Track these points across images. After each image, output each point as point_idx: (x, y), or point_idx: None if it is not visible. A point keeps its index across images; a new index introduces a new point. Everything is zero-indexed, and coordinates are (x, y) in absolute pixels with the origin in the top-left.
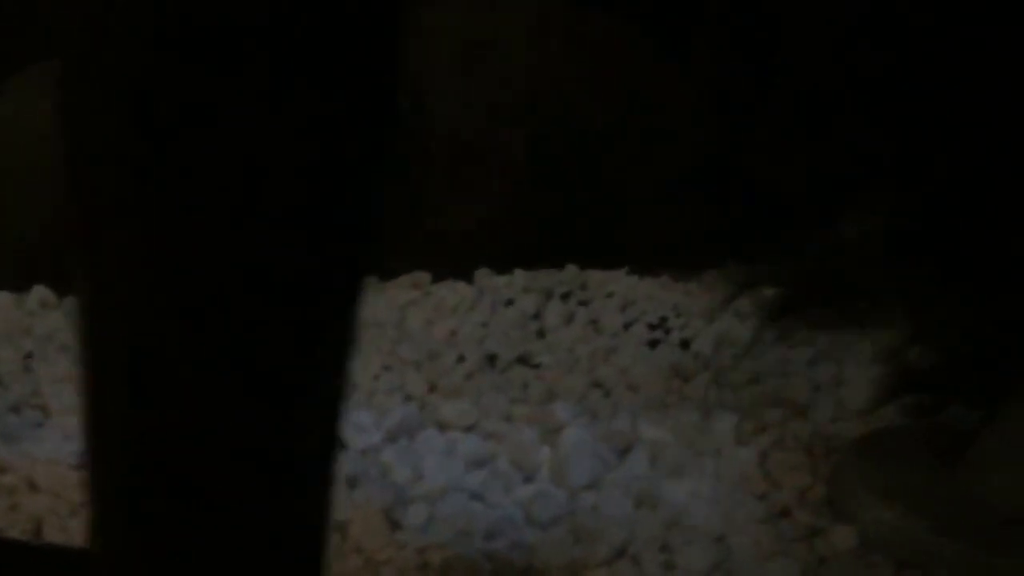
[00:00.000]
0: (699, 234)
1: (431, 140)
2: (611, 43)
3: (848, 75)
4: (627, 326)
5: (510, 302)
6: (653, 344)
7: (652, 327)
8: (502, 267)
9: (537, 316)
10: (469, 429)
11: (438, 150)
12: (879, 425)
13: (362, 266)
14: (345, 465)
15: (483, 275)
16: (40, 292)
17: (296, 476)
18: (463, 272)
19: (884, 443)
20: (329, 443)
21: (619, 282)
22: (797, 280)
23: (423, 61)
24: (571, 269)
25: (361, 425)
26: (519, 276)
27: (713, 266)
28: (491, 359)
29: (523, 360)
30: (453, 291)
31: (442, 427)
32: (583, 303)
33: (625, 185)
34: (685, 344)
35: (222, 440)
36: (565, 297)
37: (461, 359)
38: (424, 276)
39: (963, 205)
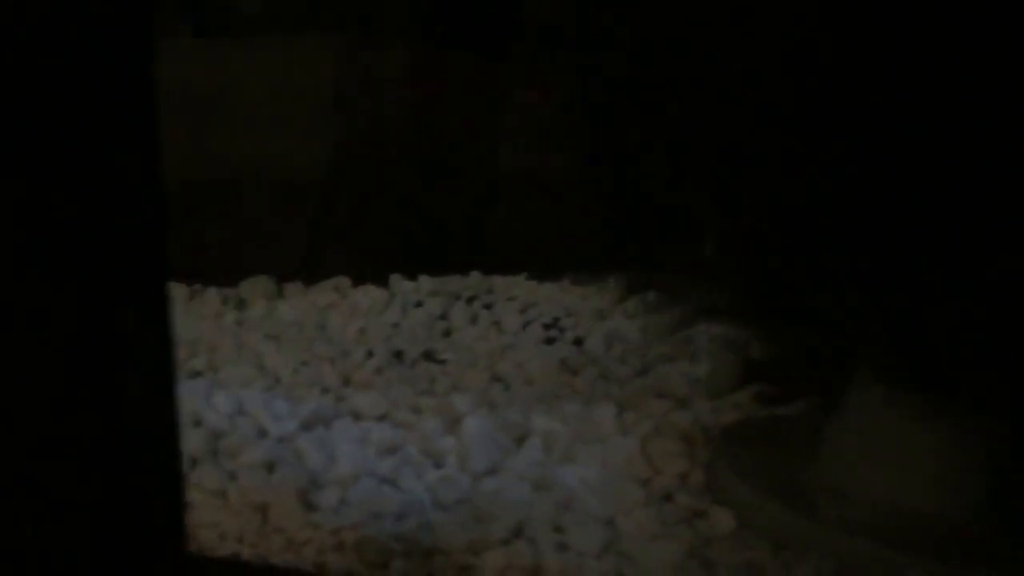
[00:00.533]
0: (595, 244)
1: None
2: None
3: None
4: (525, 326)
5: (419, 304)
6: (549, 342)
7: (547, 327)
8: (414, 273)
9: (444, 317)
10: (380, 419)
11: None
12: (742, 415)
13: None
14: (264, 451)
15: (396, 280)
16: None
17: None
18: (378, 277)
19: (749, 433)
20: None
21: (520, 286)
22: (673, 285)
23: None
24: (475, 275)
25: (278, 414)
26: (427, 281)
27: (606, 271)
28: (399, 355)
29: (429, 356)
30: (368, 295)
31: (355, 417)
32: (487, 306)
33: (519, 199)
34: (578, 342)
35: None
36: (470, 300)
37: (371, 355)
38: (345, 281)
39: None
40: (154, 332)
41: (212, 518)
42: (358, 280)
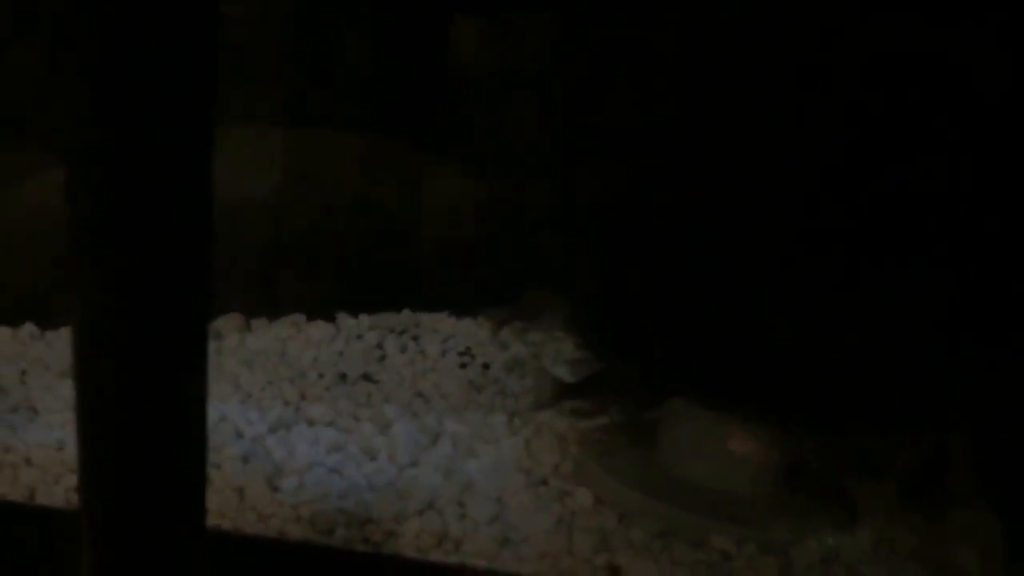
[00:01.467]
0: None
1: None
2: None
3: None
4: (444, 353)
5: (360, 336)
6: (462, 366)
7: (461, 354)
8: (356, 312)
9: (380, 346)
10: (328, 424)
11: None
12: (606, 422)
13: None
14: (240, 447)
15: (342, 317)
16: (29, 327)
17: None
18: (328, 315)
19: (607, 434)
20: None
21: (443, 322)
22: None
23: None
24: (406, 312)
25: (250, 420)
26: (366, 319)
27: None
28: (343, 377)
29: (367, 378)
30: (319, 329)
31: (309, 423)
32: (414, 338)
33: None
34: (486, 366)
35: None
36: (401, 333)
37: (322, 376)
38: (301, 317)
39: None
40: (196, 355)
41: None
42: (311, 316)
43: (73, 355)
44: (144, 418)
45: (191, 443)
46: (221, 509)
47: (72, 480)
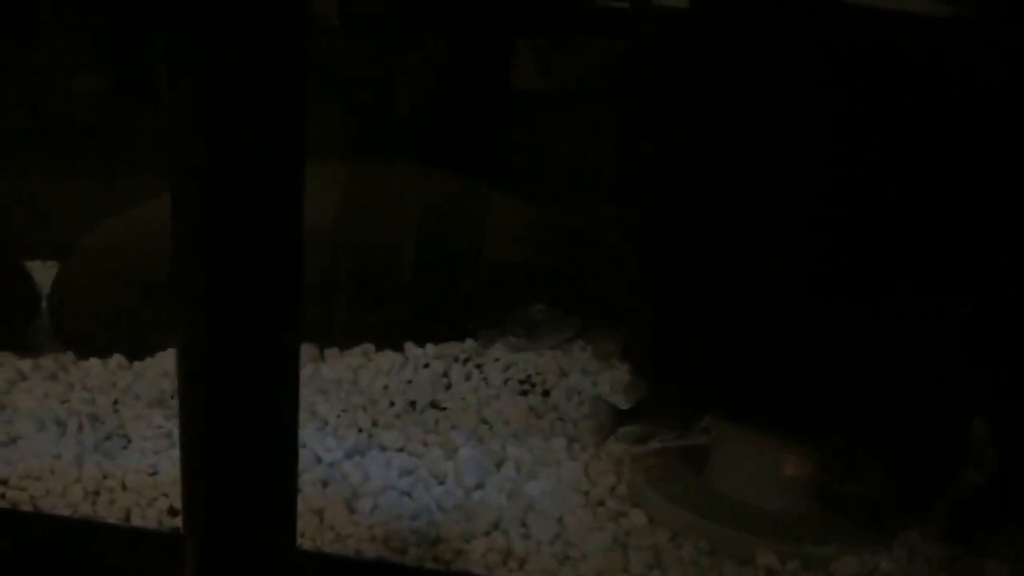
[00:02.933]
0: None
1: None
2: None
3: None
4: (506, 381)
5: (426, 365)
6: (523, 393)
7: (522, 382)
8: (422, 341)
9: (445, 375)
10: (400, 450)
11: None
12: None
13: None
14: (319, 472)
15: (409, 346)
16: (117, 358)
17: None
18: (396, 344)
19: (658, 458)
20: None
21: (504, 350)
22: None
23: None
24: (470, 342)
25: (328, 447)
26: (432, 348)
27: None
28: (413, 404)
29: (434, 405)
30: (388, 358)
31: (382, 449)
32: (478, 366)
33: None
34: (546, 393)
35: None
36: (465, 362)
37: (392, 404)
38: (370, 347)
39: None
40: (289, 384)
41: None
42: (380, 346)
43: (178, 385)
44: (241, 444)
45: (284, 468)
46: (303, 530)
47: (164, 503)
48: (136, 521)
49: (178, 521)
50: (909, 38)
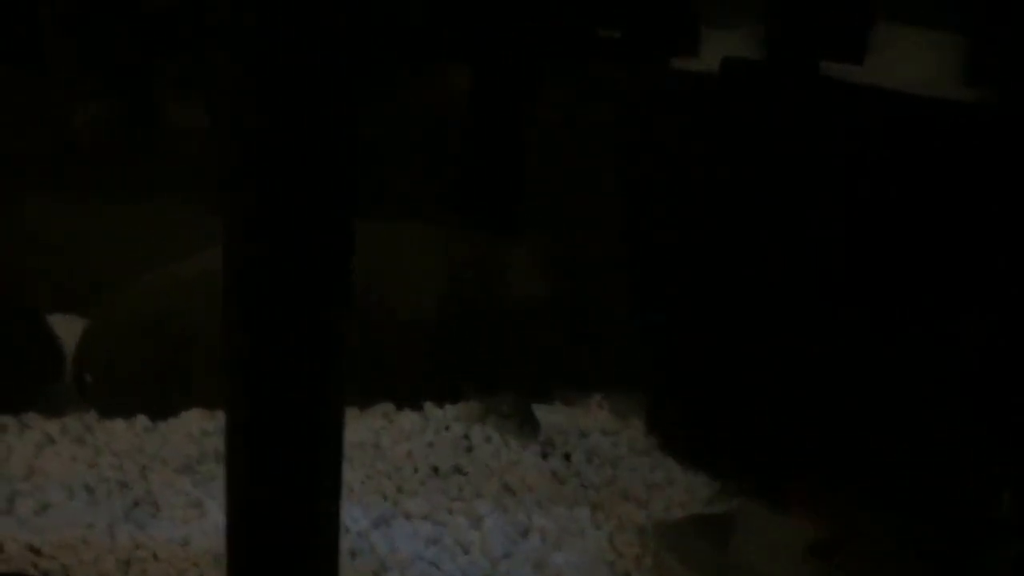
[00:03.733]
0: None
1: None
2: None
3: None
4: (526, 444)
5: (447, 428)
6: (544, 456)
7: (542, 444)
8: (441, 401)
9: (466, 437)
10: (425, 518)
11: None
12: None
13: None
14: (348, 542)
15: (429, 407)
16: (142, 420)
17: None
18: (414, 403)
19: (682, 527)
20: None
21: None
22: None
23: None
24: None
25: (354, 517)
26: (451, 408)
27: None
28: (436, 470)
29: (457, 470)
30: (409, 419)
31: (407, 516)
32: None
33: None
34: (567, 456)
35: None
36: (485, 422)
37: (416, 470)
38: (389, 406)
39: None
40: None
41: None
42: (399, 405)
43: (226, 454)
44: (285, 512)
45: (327, 537)
46: None
47: (196, 574)
48: None
49: None
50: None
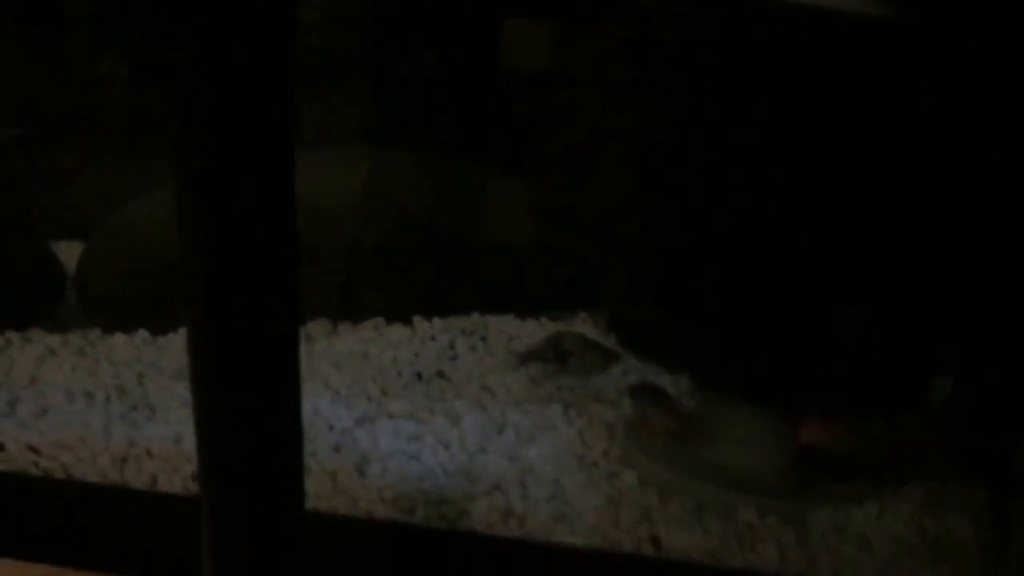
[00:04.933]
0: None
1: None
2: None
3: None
4: (509, 353)
5: (433, 338)
6: (524, 363)
7: (523, 354)
8: (429, 315)
9: (452, 347)
10: (408, 417)
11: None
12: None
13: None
14: (332, 438)
15: (418, 320)
16: (142, 334)
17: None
18: (405, 318)
19: (648, 424)
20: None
21: (508, 324)
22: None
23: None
24: (475, 316)
25: (339, 415)
26: (439, 322)
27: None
28: (419, 375)
29: (441, 375)
30: (397, 332)
31: (390, 416)
32: (483, 338)
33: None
34: (545, 362)
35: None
36: (470, 334)
37: (400, 374)
38: (380, 321)
39: None
40: (289, 357)
41: None
42: (389, 320)
43: (189, 361)
44: (250, 414)
45: (291, 436)
46: (318, 493)
47: (189, 469)
48: (163, 487)
49: None
50: None
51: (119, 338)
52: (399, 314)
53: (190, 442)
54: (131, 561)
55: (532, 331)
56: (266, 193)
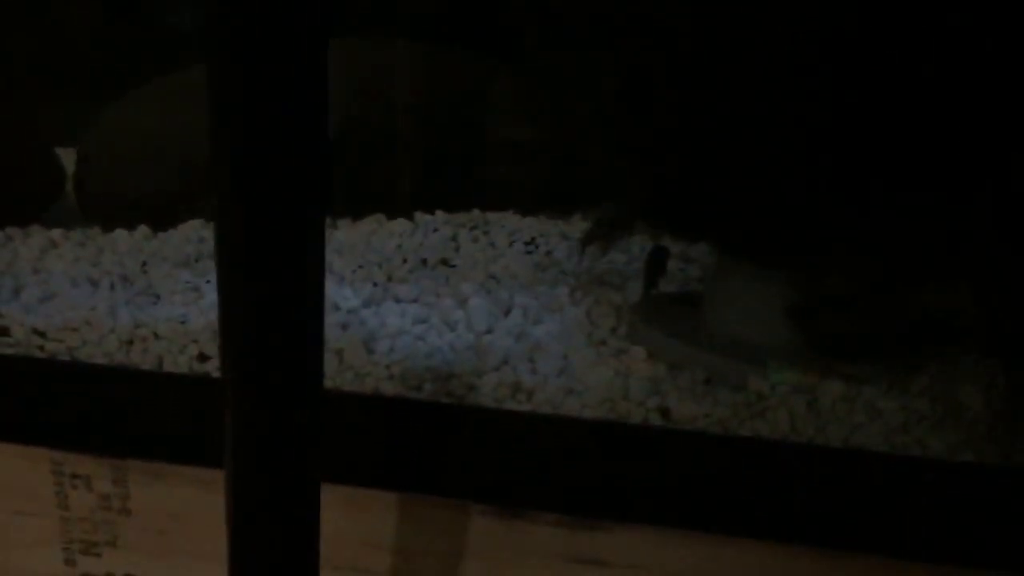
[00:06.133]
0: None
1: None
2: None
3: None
4: (511, 244)
5: (436, 230)
6: (528, 253)
7: (527, 244)
8: (431, 210)
9: (454, 239)
10: (414, 301)
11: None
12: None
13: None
14: (338, 318)
15: (419, 215)
16: (143, 229)
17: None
18: (406, 214)
19: (657, 300)
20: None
21: (509, 219)
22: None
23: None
24: (476, 212)
25: (345, 296)
26: (441, 215)
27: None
28: (424, 262)
29: (445, 262)
30: (400, 224)
31: (396, 300)
32: (485, 232)
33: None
34: (549, 253)
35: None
36: (472, 228)
37: (405, 261)
38: (382, 216)
39: None
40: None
41: None
42: (390, 216)
43: (216, 248)
44: (273, 292)
45: (312, 312)
46: (325, 370)
47: (194, 350)
48: (168, 367)
49: (208, 366)
50: None
51: (120, 233)
52: (400, 210)
53: (196, 323)
54: (138, 443)
55: (532, 225)
56: (298, 72)
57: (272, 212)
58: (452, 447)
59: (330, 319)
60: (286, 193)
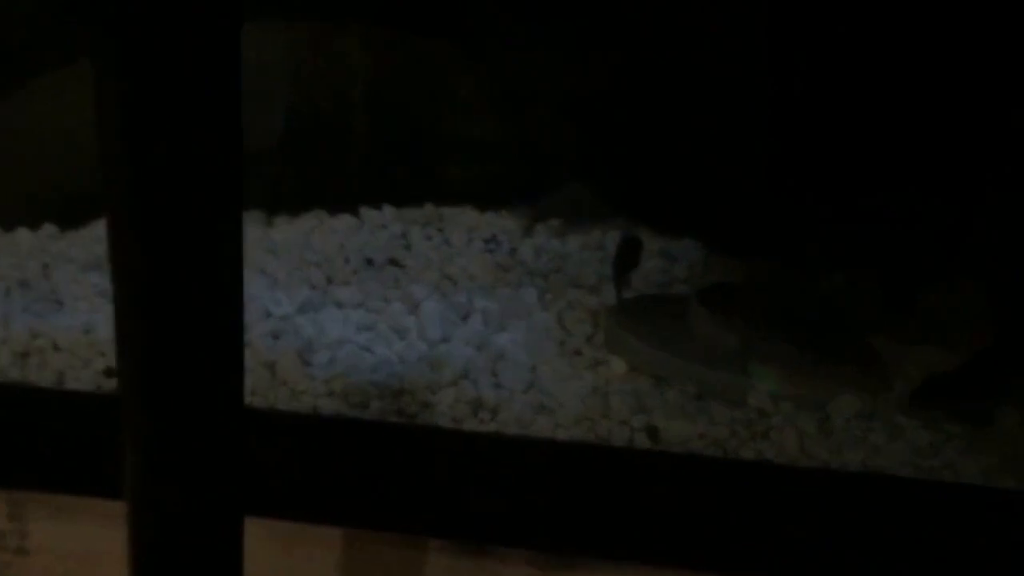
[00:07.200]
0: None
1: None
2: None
3: None
4: (470, 241)
5: (384, 227)
6: (490, 251)
7: (487, 242)
8: (378, 205)
9: (404, 236)
10: (358, 306)
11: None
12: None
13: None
14: (269, 326)
15: (364, 210)
16: (48, 228)
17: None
18: (351, 209)
19: (637, 304)
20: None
21: (467, 214)
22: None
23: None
24: (429, 206)
25: (278, 301)
26: (389, 210)
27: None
28: (370, 262)
29: (394, 262)
30: (343, 221)
31: (338, 305)
32: (439, 228)
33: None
34: (512, 251)
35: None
36: (425, 225)
37: (348, 261)
38: (323, 212)
39: None
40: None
41: None
42: (333, 211)
43: (108, 242)
44: (180, 295)
45: (227, 321)
46: (254, 387)
47: (101, 364)
48: (71, 384)
49: (116, 383)
50: None
51: (22, 233)
52: (343, 206)
53: (103, 333)
54: (36, 472)
55: (492, 221)
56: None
57: (172, 204)
58: (404, 474)
59: (261, 327)
60: (187, 182)
